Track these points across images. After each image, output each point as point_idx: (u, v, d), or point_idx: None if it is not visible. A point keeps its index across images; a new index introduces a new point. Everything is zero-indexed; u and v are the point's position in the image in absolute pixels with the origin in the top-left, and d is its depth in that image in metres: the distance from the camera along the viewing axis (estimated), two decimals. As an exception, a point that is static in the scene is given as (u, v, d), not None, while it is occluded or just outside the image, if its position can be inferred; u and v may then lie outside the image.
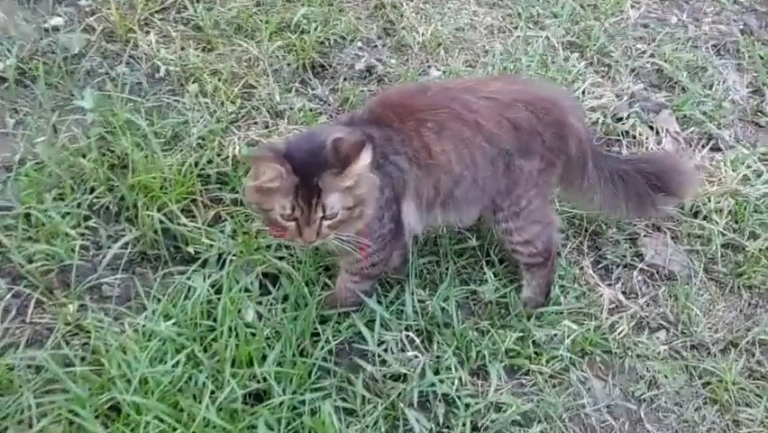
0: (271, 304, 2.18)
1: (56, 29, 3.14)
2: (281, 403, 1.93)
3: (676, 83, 3.23)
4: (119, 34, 3.15)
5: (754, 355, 2.21)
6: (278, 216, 1.82)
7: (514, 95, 2.07)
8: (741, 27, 3.68)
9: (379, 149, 1.91)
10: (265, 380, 1.96)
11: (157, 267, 2.33)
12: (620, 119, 2.94)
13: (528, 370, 2.12)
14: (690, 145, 2.88)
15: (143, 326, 2.03)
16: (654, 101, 3.04)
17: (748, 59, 3.45)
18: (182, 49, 3.10)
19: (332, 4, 3.46)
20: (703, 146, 2.88)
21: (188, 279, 2.17)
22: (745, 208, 2.55)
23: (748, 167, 2.74)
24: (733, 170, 2.68)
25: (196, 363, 1.99)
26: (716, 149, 2.88)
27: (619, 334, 2.23)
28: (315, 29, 3.25)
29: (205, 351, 2.04)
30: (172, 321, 2.04)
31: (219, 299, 2.10)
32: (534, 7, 3.64)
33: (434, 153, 1.99)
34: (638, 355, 2.21)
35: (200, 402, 1.85)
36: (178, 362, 1.95)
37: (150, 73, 3.03)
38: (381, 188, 1.92)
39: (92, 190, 2.45)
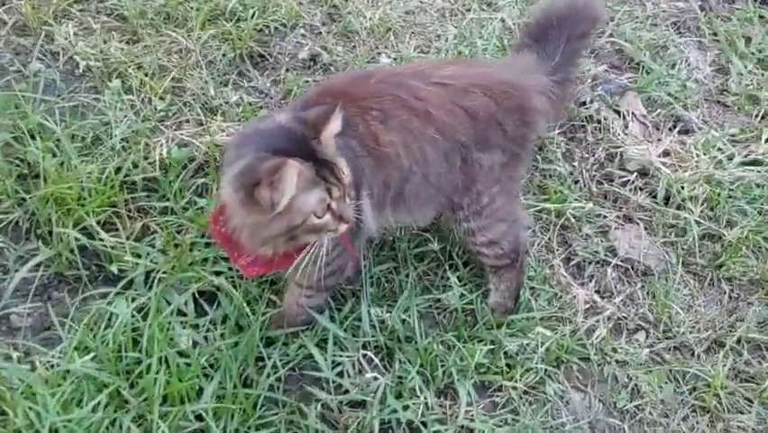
0: (209, 328, 1.91)
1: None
2: (221, 443, 1.67)
3: (638, 64, 3.06)
4: (32, 27, 2.82)
5: (741, 355, 2.04)
6: (316, 215, 1.56)
7: (469, 79, 1.84)
8: (699, 3, 3.53)
9: None
10: (202, 418, 1.70)
11: (76, 290, 2.04)
12: (583, 103, 2.75)
13: (501, 386, 1.91)
14: (658, 129, 2.70)
15: (55, 364, 1.74)
16: (618, 83, 2.87)
17: (709, 37, 3.30)
18: (104, 42, 2.78)
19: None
20: (670, 129, 2.70)
21: (110, 303, 1.89)
22: (719, 195, 2.39)
23: (719, 150, 2.58)
24: (704, 154, 2.51)
25: (120, 403, 1.72)
26: (684, 131, 2.71)
27: (597, 339, 2.04)
28: (253, 16, 2.97)
29: (132, 387, 1.77)
30: (91, 355, 1.76)
31: (149, 325, 1.83)
32: (488, -14, 3.42)
33: (382, 143, 1.76)
34: (618, 362, 2.02)
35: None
36: (98, 404, 1.67)
37: (68, 70, 2.72)
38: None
39: (-2, 205, 2.14)
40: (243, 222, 1.57)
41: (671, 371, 1.99)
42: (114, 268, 2.05)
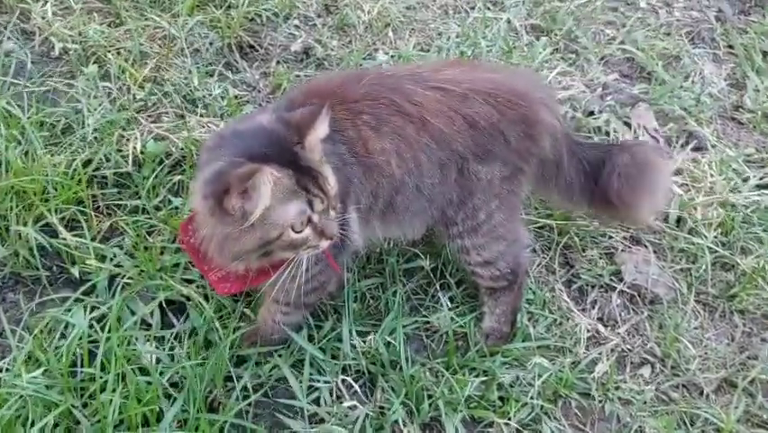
0: (174, 342, 1.74)
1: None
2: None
3: (650, 73, 2.90)
4: (8, 4, 2.64)
5: (754, 397, 1.87)
6: (294, 229, 1.39)
7: (470, 84, 1.67)
8: (715, 13, 3.37)
9: None
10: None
11: (34, 293, 1.87)
12: (591, 113, 2.58)
13: (492, 422, 1.74)
14: (670, 144, 2.54)
15: (1, 379, 1.57)
16: (629, 93, 2.70)
17: (724, 49, 3.14)
18: (84, 24, 2.60)
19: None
20: (683, 145, 2.54)
21: (68, 311, 1.71)
22: (734, 219, 2.22)
23: (734, 171, 2.42)
24: (719, 175, 2.35)
25: (71, 426, 1.55)
26: (697, 149, 2.55)
27: (599, 373, 1.87)
28: (244, 3, 2.79)
29: (85, 407, 1.59)
30: (41, 370, 1.58)
31: (107, 338, 1.65)
32: (495, -15, 3.25)
33: (372, 150, 1.59)
34: (621, 400, 1.85)
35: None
36: (45, 426, 1.49)
37: (43, 51, 2.54)
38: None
39: (-47, 196, 1.96)
40: (212, 233, 1.40)
41: (678, 412, 1.82)
42: (75, 271, 1.87)
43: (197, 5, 2.79)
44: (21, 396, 1.53)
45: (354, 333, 1.83)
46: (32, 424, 1.51)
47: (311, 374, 1.74)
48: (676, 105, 2.67)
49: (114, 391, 1.57)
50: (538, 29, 3.05)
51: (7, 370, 1.61)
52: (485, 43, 2.77)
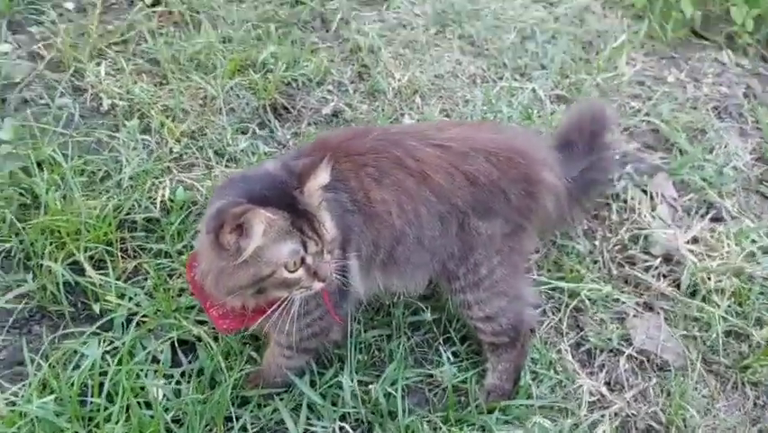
0: (181, 380, 1.80)
1: (3, 57, 2.86)
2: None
3: (673, 145, 2.93)
4: (67, 64, 2.87)
5: (762, 472, 1.82)
6: (287, 269, 1.47)
7: (472, 143, 1.75)
8: (744, 90, 3.40)
9: None
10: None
11: (57, 327, 1.97)
12: (610, 180, 2.62)
13: (487, 478, 1.74)
14: (689, 214, 2.54)
15: (15, 403, 1.66)
16: (649, 163, 2.74)
17: (752, 124, 3.16)
18: (133, 82, 2.81)
19: (304, 45, 3.20)
20: (702, 216, 2.54)
21: (84, 343, 1.81)
22: (750, 290, 2.20)
23: (753, 242, 2.40)
24: (736, 245, 2.34)
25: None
26: (716, 219, 2.54)
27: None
28: (282, 68, 2.97)
29: (92, 436, 1.66)
30: (52, 397, 1.67)
31: (116, 370, 1.73)
32: (522, 59, 3.38)
33: (374, 200, 1.66)
34: (622, 467, 1.82)
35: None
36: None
37: (93, 107, 2.75)
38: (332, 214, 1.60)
39: (-5, 231, 2.12)
40: (210, 267, 1.49)
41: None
42: (97, 307, 1.98)
43: (239, 70, 2.98)
44: (30, 420, 1.61)
45: (356, 382, 1.86)
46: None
47: (309, 418, 1.77)
48: (697, 175, 2.68)
49: (117, 422, 1.64)
50: (563, 99, 3.14)
51: (21, 396, 1.70)
52: (507, 110, 2.87)
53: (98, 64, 2.88)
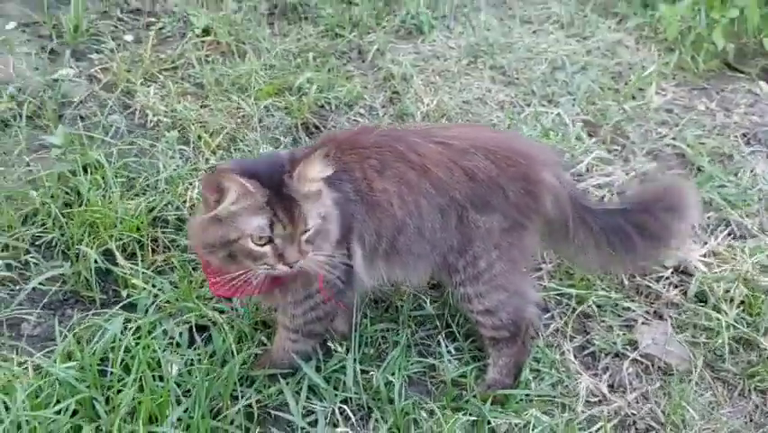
0: (193, 360, 1.92)
1: (64, 79, 3.14)
2: (174, 471, 1.64)
3: (698, 169, 2.95)
4: (120, 86, 3.13)
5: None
6: (252, 241, 1.58)
7: (473, 141, 1.84)
8: (776, 119, 3.40)
9: None
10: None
11: (88, 310, 2.13)
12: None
13: (479, 464, 1.77)
14: (706, 231, 2.55)
15: (40, 366, 1.81)
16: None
17: (782, 150, 3.15)
18: (178, 102, 3.04)
19: (339, 72, 3.39)
20: (720, 233, 2.54)
21: (107, 320, 1.95)
22: (763, 302, 2.19)
23: (768, 256, 2.39)
24: (751, 256, 2.33)
25: (90, 414, 1.74)
26: (735, 237, 2.54)
27: (597, 430, 1.86)
28: (317, 91, 3.16)
29: (107, 402, 1.79)
30: (75, 363, 1.81)
31: (137, 343, 1.87)
32: (551, 87, 3.48)
33: (376, 189, 1.77)
34: (618, 462, 1.82)
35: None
36: (65, 409, 1.70)
37: (140, 123, 2.98)
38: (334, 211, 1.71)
39: (42, 225, 2.32)
40: (197, 221, 1.65)
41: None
42: (125, 293, 2.13)
43: (276, 93, 3.18)
44: (52, 382, 1.75)
45: (359, 369, 1.93)
46: (57, 403, 1.71)
47: (309, 398, 1.86)
48: (718, 195, 2.69)
49: (131, 389, 1.76)
50: (588, 123, 3.21)
51: (47, 361, 1.85)
52: (527, 130, 2.95)
53: (148, 86, 3.12)
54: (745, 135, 3.22)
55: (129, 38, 3.58)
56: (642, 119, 3.27)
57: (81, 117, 2.92)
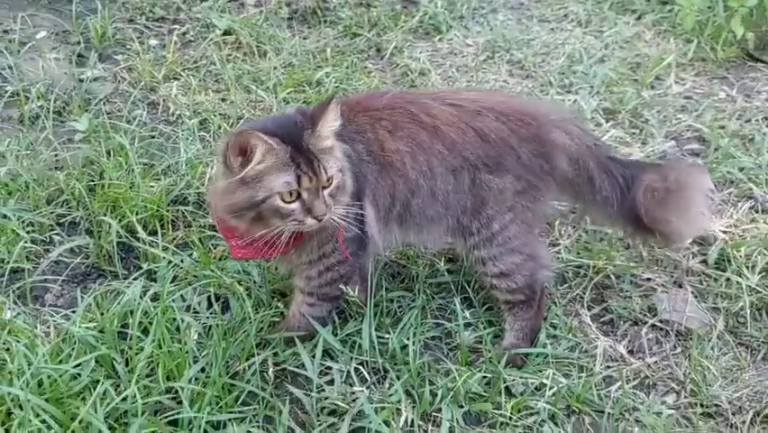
0: (211, 326, 1.94)
1: (92, 79, 3.25)
2: (190, 423, 1.65)
3: (715, 150, 2.92)
4: (144, 82, 3.22)
5: (786, 430, 1.74)
6: (281, 198, 1.60)
7: (483, 103, 1.86)
8: (800, 105, 3.35)
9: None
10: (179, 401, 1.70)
11: (111, 283, 2.17)
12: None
13: (496, 421, 1.75)
14: (727, 204, 2.52)
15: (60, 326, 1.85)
16: (687, 157, 2.74)
17: (807, 132, 3.10)
18: (199, 95, 3.11)
19: (357, 68, 3.44)
20: (741, 207, 2.51)
21: (127, 286, 1.99)
22: (785, 266, 2.15)
23: (795, 228, 2.35)
24: (773, 227, 2.30)
25: (108, 372, 1.77)
26: (757, 211, 2.50)
27: (615, 390, 1.84)
28: (335, 84, 3.21)
29: (127, 364, 1.82)
30: (94, 324, 1.85)
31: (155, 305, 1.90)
32: (569, 78, 3.49)
33: (388, 150, 1.79)
34: (638, 422, 1.79)
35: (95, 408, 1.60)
36: (85, 364, 1.73)
37: (163, 117, 3.05)
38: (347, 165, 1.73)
39: (66, 204, 2.38)
40: (218, 186, 1.66)
41: (698, 436, 1.73)
42: (145, 265, 2.17)
43: (295, 88, 3.24)
44: (73, 341, 1.79)
45: (374, 335, 1.93)
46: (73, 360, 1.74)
47: (323, 358, 1.86)
48: (736, 169, 2.65)
49: (150, 346, 1.78)
50: (607, 111, 3.21)
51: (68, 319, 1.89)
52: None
53: (171, 83, 3.21)
54: (766, 119, 3.18)
55: (153, 42, 3.68)
56: (660, 105, 3.26)
57: (107, 112, 3.00)
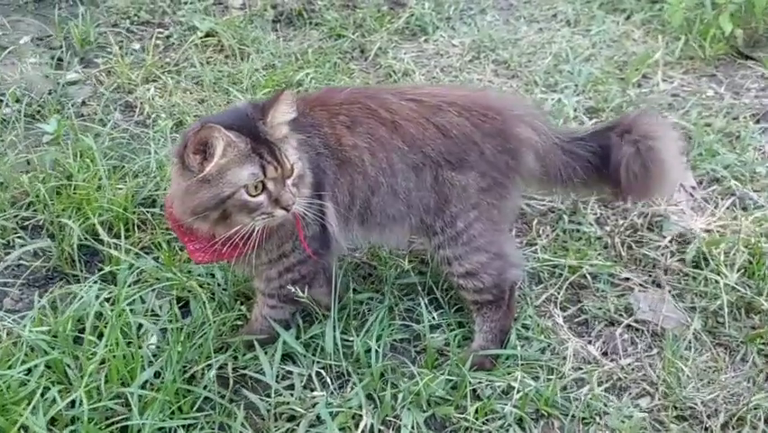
0: (171, 330, 1.89)
1: (70, 83, 3.21)
2: (139, 430, 1.59)
3: (703, 145, 2.85)
4: (123, 87, 3.18)
5: (762, 433, 1.67)
6: (247, 191, 1.54)
7: (445, 98, 1.80)
8: (790, 104, 3.28)
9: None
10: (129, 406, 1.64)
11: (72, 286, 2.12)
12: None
13: (460, 426, 1.69)
14: (708, 202, 2.45)
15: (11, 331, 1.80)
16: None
17: (796, 132, 3.03)
18: (176, 96, 3.07)
19: (340, 68, 3.39)
20: (723, 202, 2.44)
21: (83, 289, 1.94)
22: (763, 264, 2.08)
23: (777, 226, 2.28)
24: (755, 225, 2.23)
25: (59, 378, 1.72)
26: (742, 208, 2.43)
27: (586, 393, 1.77)
28: (314, 85, 3.16)
29: (81, 370, 1.76)
30: (46, 328, 1.80)
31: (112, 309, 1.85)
32: (554, 77, 3.43)
33: (345, 145, 1.73)
34: (608, 426, 1.72)
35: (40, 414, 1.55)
36: (35, 369, 1.68)
37: (139, 120, 3.01)
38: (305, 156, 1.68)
39: (31, 207, 2.33)
40: (177, 189, 1.60)
41: (671, 440, 1.66)
42: (108, 268, 2.12)
43: (273, 86, 3.19)
44: (26, 350, 1.73)
45: (339, 335, 1.87)
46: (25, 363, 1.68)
47: (284, 362, 1.80)
48: (720, 166, 2.59)
49: (104, 350, 1.73)
50: (591, 109, 3.14)
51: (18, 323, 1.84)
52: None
53: (149, 85, 3.17)
54: (754, 116, 3.11)
55: (137, 46, 3.64)
56: (646, 103, 3.19)
57: (81, 115, 2.96)
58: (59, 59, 3.36)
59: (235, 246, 1.62)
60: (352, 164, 1.75)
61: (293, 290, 1.78)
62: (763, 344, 1.91)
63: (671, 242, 2.24)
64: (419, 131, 1.76)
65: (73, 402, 1.60)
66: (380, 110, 1.76)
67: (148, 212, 2.33)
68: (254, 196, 1.55)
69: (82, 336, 1.83)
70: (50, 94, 3.05)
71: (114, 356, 1.71)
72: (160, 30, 3.78)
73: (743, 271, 2.09)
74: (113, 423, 1.62)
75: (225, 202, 1.54)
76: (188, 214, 1.59)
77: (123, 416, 1.62)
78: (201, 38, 3.57)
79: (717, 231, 2.25)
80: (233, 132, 1.52)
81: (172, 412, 1.66)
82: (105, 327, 1.80)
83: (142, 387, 1.67)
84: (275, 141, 1.57)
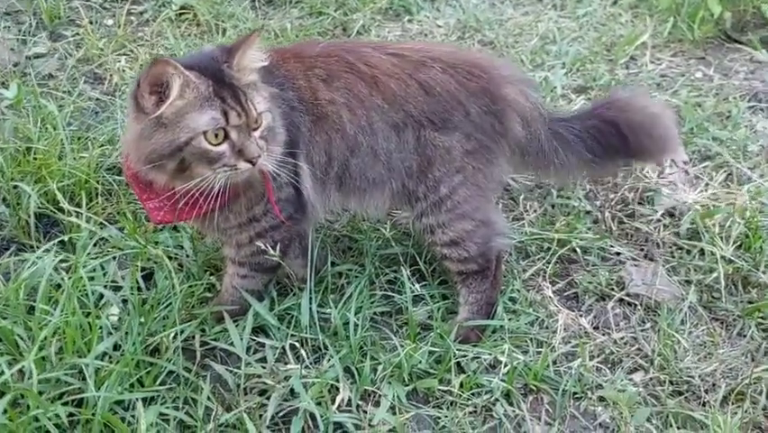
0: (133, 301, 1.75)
1: (37, 56, 3.07)
2: (95, 404, 1.46)
3: (694, 122, 2.77)
4: (92, 59, 3.04)
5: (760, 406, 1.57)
6: (206, 140, 1.39)
7: (429, 54, 1.68)
8: (777, 84, 3.21)
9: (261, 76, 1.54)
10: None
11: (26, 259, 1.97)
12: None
13: (445, 400, 1.57)
14: (701, 178, 2.36)
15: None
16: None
17: (785, 114, 2.96)
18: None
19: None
20: (717, 177, 2.35)
21: (39, 258, 1.80)
22: (760, 237, 1.99)
23: (773, 200, 2.19)
24: (750, 198, 2.14)
25: (14, 348, 1.58)
26: (733, 182, 2.35)
27: (577, 367, 1.66)
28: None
29: (33, 342, 1.62)
30: (-2, 300, 1.65)
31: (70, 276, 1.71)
32: (541, 57, 3.33)
33: (321, 99, 1.61)
34: (601, 399, 1.62)
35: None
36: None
37: (109, 92, 2.86)
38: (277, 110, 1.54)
39: (-13, 177, 2.18)
40: (132, 134, 1.46)
41: (666, 415, 1.56)
42: (67, 236, 1.98)
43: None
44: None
45: (315, 309, 1.75)
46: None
47: (256, 334, 1.68)
48: (713, 142, 2.50)
49: (58, 323, 1.59)
50: (579, 88, 3.05)
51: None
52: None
53: (119, 57, 3.03)
54: (744, 97, 3.04)
55: (109, 22, 3.49)
56: (634, 83, 3.11)
57: (47, 85, 2.81)
58: (30, 34, 3.21)
59: (196, 203, 1.47)
60: (329, 121, 1.63)
61: (263, 247, 1.64)
62: (762, 317, 1.82)
63: (663, 215, 2.15)
64: (401, 87, 1.64)
65: (22, 373, 1.46)
66: (359, 64, 1.64)
67: (114, 180, 2.18)
68: (215, 145, 1.41)
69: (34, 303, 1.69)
70: (15, 66, 2.90)
71: (69, 326, 1.57)
72: (134, 6, 3.64)
73: (739, 244, 1.99)
74: (66, 395, 1.48)
75: (183, 150, 1.40)
76: (143, 161, 1.44)
77: (77, 387, 1.48)
78: (176, 11, 3.42)
79: (712, 205, 2.15)
80: (194, 72, 1.39)
81: (131, 385, 1.52)
82: (61, 295, 1.66)
83: (101, 359, 1.53)
84: (241, 86, 1.44)
